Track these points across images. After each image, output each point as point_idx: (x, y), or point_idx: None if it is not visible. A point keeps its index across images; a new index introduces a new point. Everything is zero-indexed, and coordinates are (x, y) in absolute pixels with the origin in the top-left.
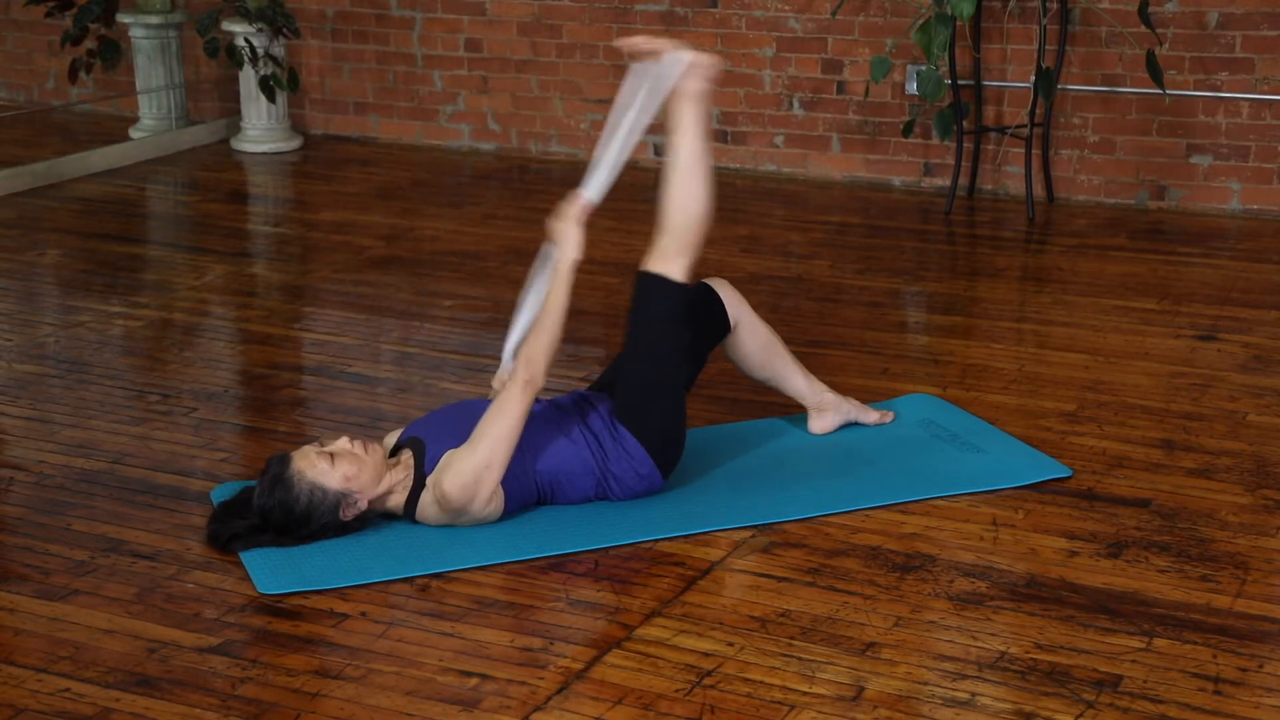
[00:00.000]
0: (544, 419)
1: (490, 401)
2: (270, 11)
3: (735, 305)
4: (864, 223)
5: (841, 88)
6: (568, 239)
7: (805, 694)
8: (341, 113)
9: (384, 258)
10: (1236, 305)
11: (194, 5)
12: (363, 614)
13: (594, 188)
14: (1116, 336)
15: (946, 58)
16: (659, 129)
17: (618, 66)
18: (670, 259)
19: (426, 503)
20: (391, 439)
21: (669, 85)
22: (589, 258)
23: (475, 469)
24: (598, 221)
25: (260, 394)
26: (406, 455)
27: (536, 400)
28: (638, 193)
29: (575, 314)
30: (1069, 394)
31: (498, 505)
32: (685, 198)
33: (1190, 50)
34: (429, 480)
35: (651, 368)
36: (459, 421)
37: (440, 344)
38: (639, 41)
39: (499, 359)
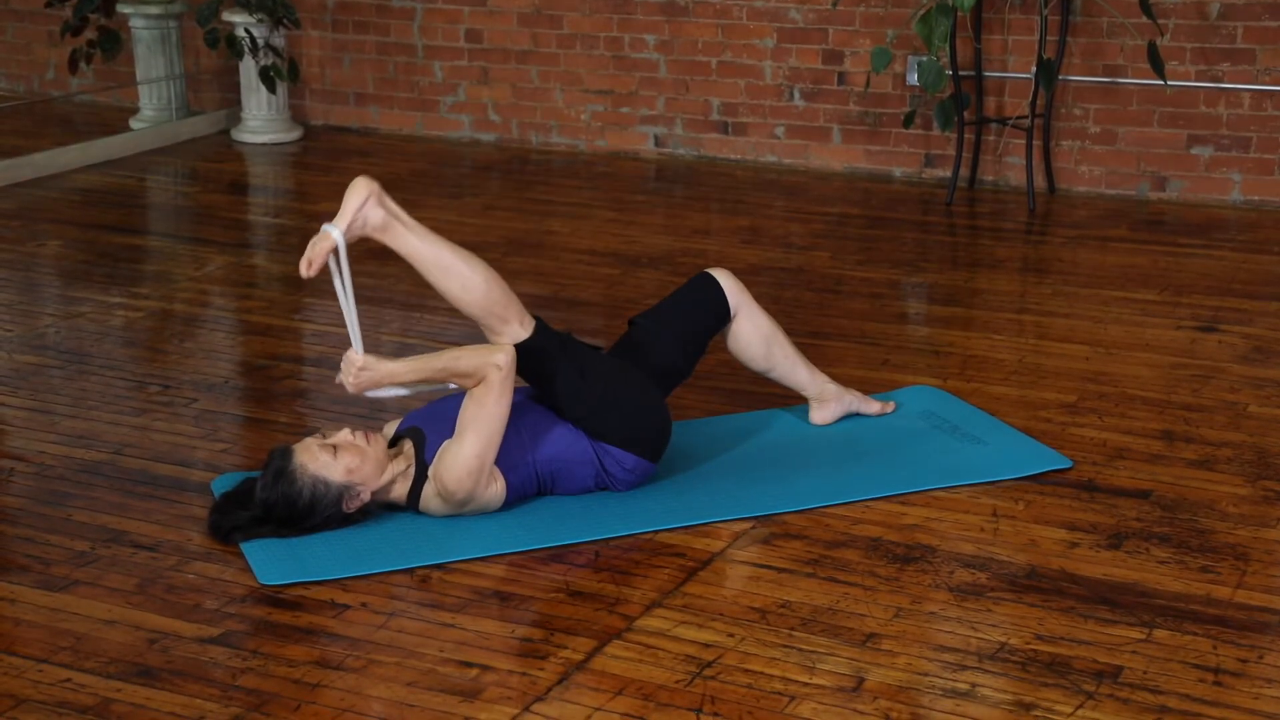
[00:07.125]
0: (540, 408)
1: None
2: (270, 2)
3: (736, 294)
4: (865, 214)
5: (842, 78)
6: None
7: (805, 685)
8: (342, 103)
9: (384, 249)
10: (1237, 296)
11: None
12: (363, 605)
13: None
14: (1117, 328)
15: (947, 48)
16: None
17: (618, 58)
18: (504, 333)
19: (429, 494)
20: (390, 429)
21: (345, 246)
22: (589, 249)
23: (468, 458)
24: (598, 214)
25: (261, 385)
26: (407, 445)
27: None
28: (636, 184)
29: (576, 305)
30: (1069, 385)
31: (498, 489)
32: (460, 288)
33: (1191, 41)
34: (430, 472)
35: (588, 399)
36: (457, 410)
37: (440, 335)
38: (309, 260)
39: None
